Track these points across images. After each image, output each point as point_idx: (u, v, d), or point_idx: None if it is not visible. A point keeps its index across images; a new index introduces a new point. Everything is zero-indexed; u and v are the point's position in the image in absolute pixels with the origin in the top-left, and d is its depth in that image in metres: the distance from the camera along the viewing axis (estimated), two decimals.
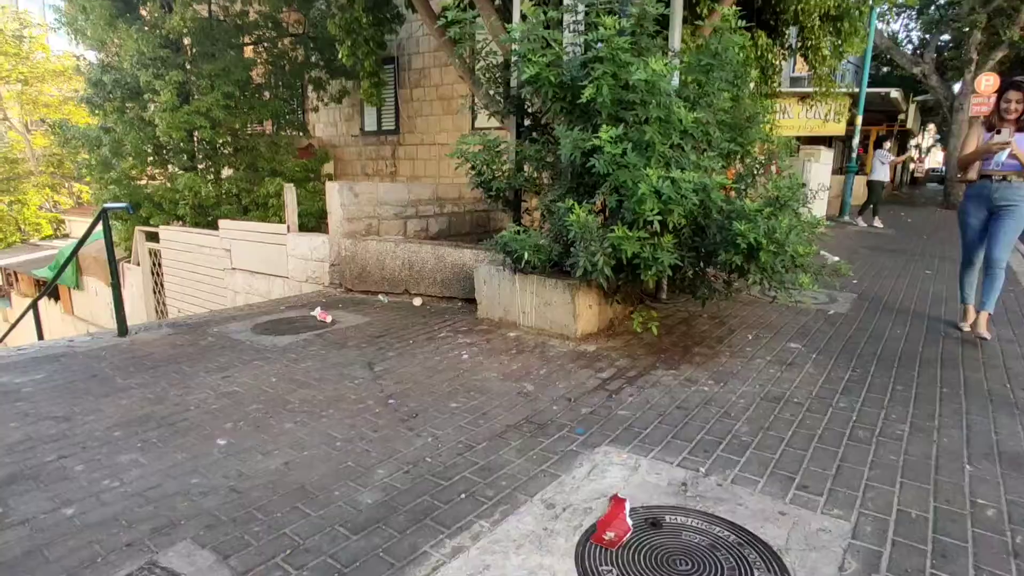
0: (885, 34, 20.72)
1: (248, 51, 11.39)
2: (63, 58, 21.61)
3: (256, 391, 3.46)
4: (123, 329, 4.78)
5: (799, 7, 9.11)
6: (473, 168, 4.98)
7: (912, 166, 36.05)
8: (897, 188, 28.00)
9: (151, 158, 10.80)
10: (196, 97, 10.11)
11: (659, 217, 3.75)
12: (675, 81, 4.52)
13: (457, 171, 5.46)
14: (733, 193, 5.10)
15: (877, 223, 12.63)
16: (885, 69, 26.34)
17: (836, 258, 7.71)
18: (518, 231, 4.30)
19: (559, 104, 4.38)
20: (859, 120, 14.35)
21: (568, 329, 4.44)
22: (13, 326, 9.57)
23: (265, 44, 11.29)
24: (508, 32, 4.48)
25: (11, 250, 20.59)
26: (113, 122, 10.42)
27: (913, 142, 38.66)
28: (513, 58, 4.71)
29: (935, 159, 54.57)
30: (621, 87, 3.98)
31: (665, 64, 3.81)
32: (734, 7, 4.91)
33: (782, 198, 4.50)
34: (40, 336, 8.31)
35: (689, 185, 3.73)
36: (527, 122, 5.15)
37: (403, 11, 9.36)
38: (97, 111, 10.70)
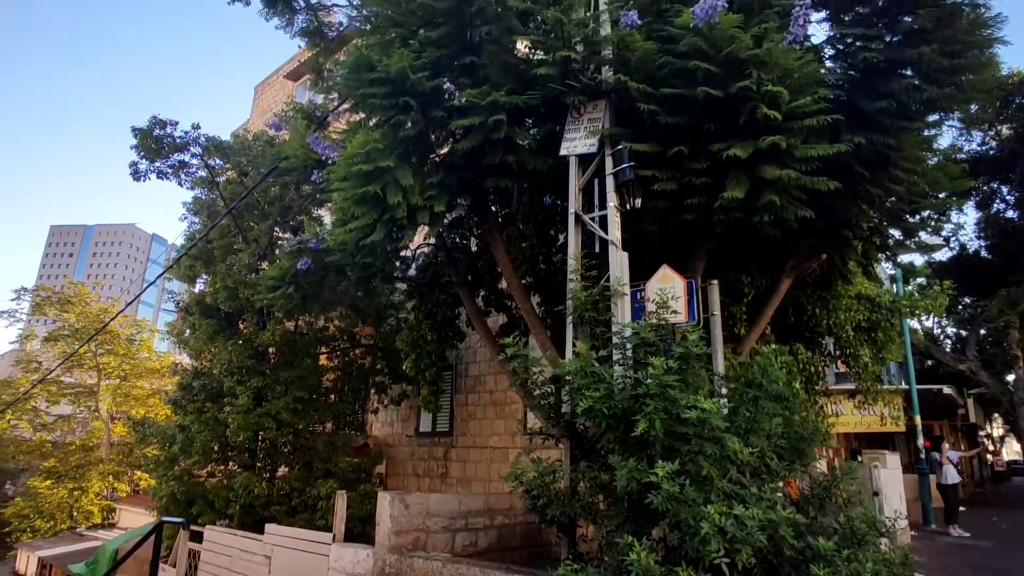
0: (921, 333, 21.45)
1: (322, 358, 12.62)
2: (163, 358, 24.26)
3: None
4: None
5: (831, 321, 9.76)
6: (528, 492, 4.99)
7: (989, 459, 33.69)
8: (979, 485, 25.76)
9: (216, 455, 11.25)
10: (269, 400, 10.94)
11: (726, 559, 3.55)
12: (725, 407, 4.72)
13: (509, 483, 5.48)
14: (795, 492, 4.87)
15: (960, 531, 11.41)
16: (930, 363, 26.57)
17: None
18: (575, 570, 4.09)
19: (613, 433, 4.56)
20: (917, 419, 14.05)
21: None
22: None
23: (338, 353, 12.53)
24: (564, 365, 4.93)
25: (56, 539, 20.33)
26: (190, 421, 11.18)
27: (983, 433, 36.79)
28: (566, 387, 5.10)
29: (1012, 449, 51.00)
30: (673, 420, 4.17)
31: (714, 402, 4.04)
32: (773, 345, 5.36)
33: (858, 532, 4.25)
34: None
35: (754, 522, 3.61)
36: (581, 447, 5.30)
37: (464, 329, 10.47)
38: (179, 411, 11.59)
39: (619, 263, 5.44)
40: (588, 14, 5.93)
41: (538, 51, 6.38)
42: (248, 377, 10.84)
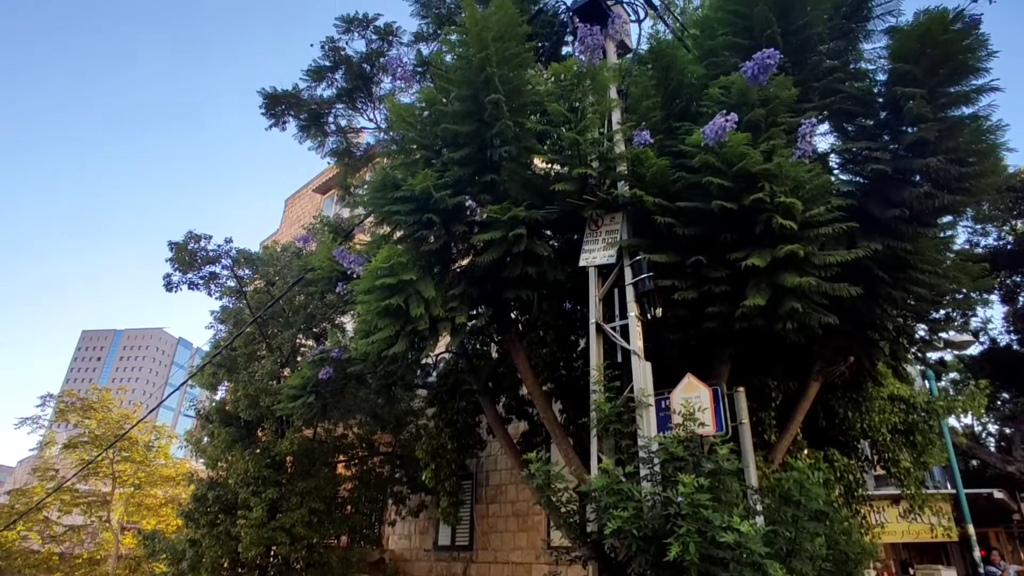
0: (962, 433, 20.48)
1: (340, 467, 12.32)
2: (179, 465, 23.87)
3: None
4: None
5: (865, 424, 9.39)
6: None
7: None
8: None
9: (226, 573, 10.76)
10: (283, 513, 10.59)
11: None
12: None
13: None
14: None
15: None
16: (975, 463, 25.14)
17: None
18: None
19: (644, 556, 4.30)
20: (970, 528, 13.09)
21: None
22: None
23: (356, 461, 12.25)
24: (590, 481, 4.75)
25: None
26: (202, 535, 10.80)
27: None
28: (591, 505, 4.88)
29: None
30: (708, 543, 3.94)
31: (752, 524, 3.82)
32: (806, 451, 5.14)
33: None
34: None
35: None
36: (610, 569, 4.99)
37: (485, 437, 10.24)
38: (191, 524, 11.25)
39: (642, 373, 5.37)
40: (602, 133, 6.26)
41: (555, 165, 6.69)
42: (263, 488, 10.58)
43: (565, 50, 9.02)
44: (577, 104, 6.21)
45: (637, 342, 5.52)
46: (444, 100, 6.26)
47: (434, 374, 10.10)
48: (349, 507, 11.89)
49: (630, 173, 5.96)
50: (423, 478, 9.98)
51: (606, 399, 5.35)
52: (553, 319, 8.30)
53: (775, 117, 5.72)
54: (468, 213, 6.14)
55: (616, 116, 6.50)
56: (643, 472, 4.78)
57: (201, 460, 14.01)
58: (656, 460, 4.77)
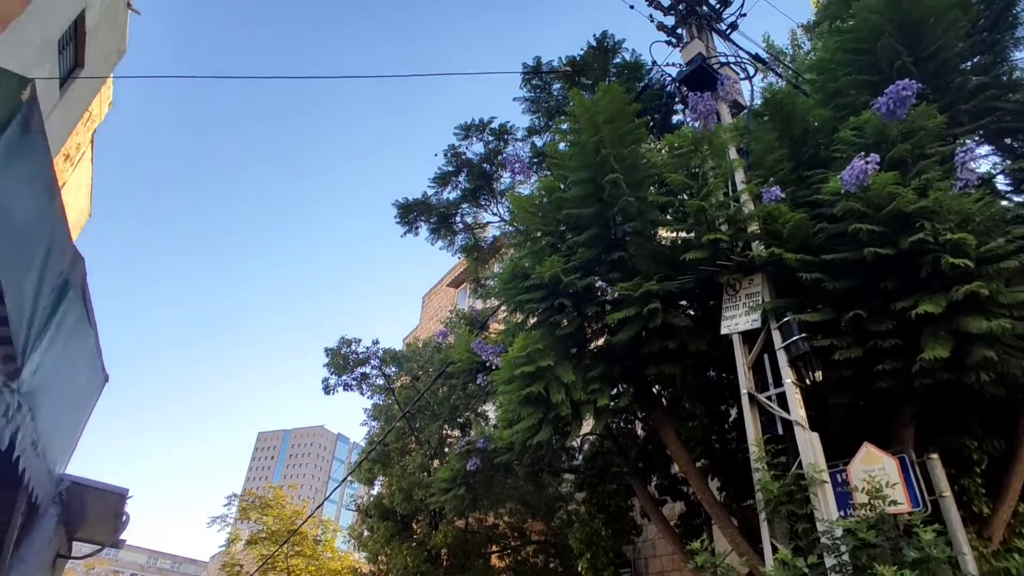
0: None
1: (493, 558, 12.16)
2: (343, 558, 24.96)
3: None
4: None
5: None
6: None
7: None
8: None
9: None
10: None
11: None
12: None
13: None
14: None
15: None
16: None
17: None
18: None
19: None
20: None
21: None
22: None
23: (509, 552, 12.04)
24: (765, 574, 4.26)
25: None
26: None
27: None
28: None
29: None
30: None
31: None
32: None
33: None
34: None
35: None
36: None
37: (640, 521, 9.69)
38: None
39: (810, 445, 4.85)
40: (727, 195, 6.08)
41: (681, 232, 6.55)
42: None
43: (676, 118, 9.05)
44: (697, 170, 6.12)
45: (798, 411, 5.03)
46: (562, 186, 6.46)
47: (580, 457, 9.85)
48: None
49: (763, 231, 5.68)
50: (579, 569, 9.54)
51: (772, 477, 4.86)
52: (699, 391, 7.85)
53: (923, 149, 5.25)
54: (599, 293, 6.13)
55: (740, 176, 6.31)
56: (829, 563, 4.21)
57: (363, 554, 14.54)
58: (844, 547, 4.19)
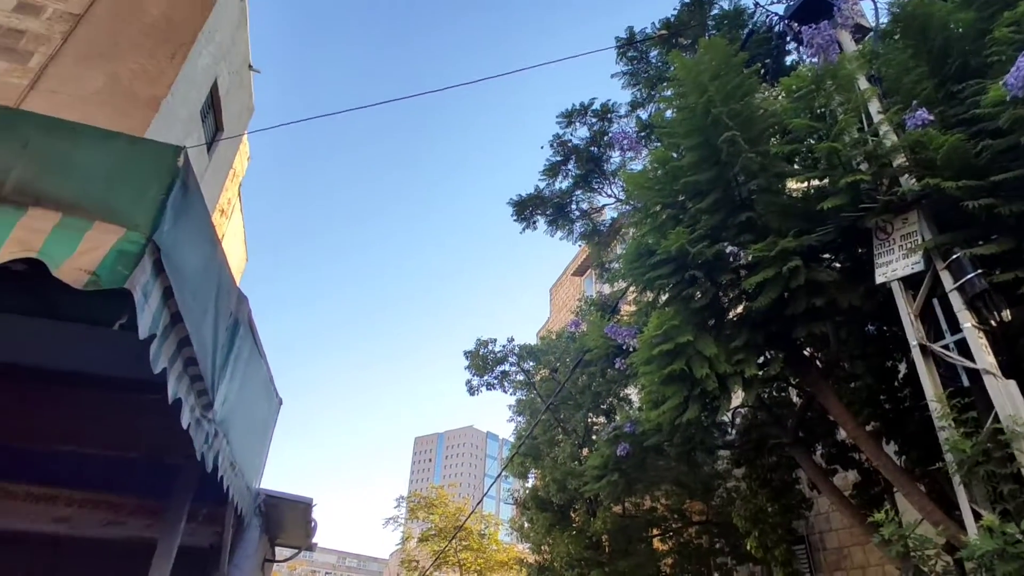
0: None
1: (655, 541, 11.99)
2: (508, 549, 26.00)
3: None
4: None
5: None
6: None
7: None
8: None
9: None
10: None
11: None
12: None
13: None
14: None
15: None
16: None
17: None
18: None
19: None
20: None
21: None
22: None
23: (671, 534, 11.82)
24: (968, 544, 3.81)
25: None
26: None
27: None
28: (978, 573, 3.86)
29: None
30: None
31: None
32: None
33: None
34: None
35: None
36: None
37: (809, 493, 9.07)
38: None
39: (1006, 395, 4.25)
40: (862, 131, 5.50)
41: (813, 180, 6.03)
42: (587, 570, 10.79)
43: (790, 59, 8.34)
44: (822, 110, 5.61)
45: (986, 358, 4.43)
46: (675, 155, 6.20)
47: (733, 431, 9.43)
48: None
49: (912, 163, 5.07)
50: (748, 547, 9.14)
51: (962, 435, 4.33)
52: (857, 349, 7.19)
53: None
54: (731, 259, 5.81)
55: (874, 106, 5.68)
56: None
57: (526, 544, 14.98)
58: None
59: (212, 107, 11.31)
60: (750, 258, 5.44)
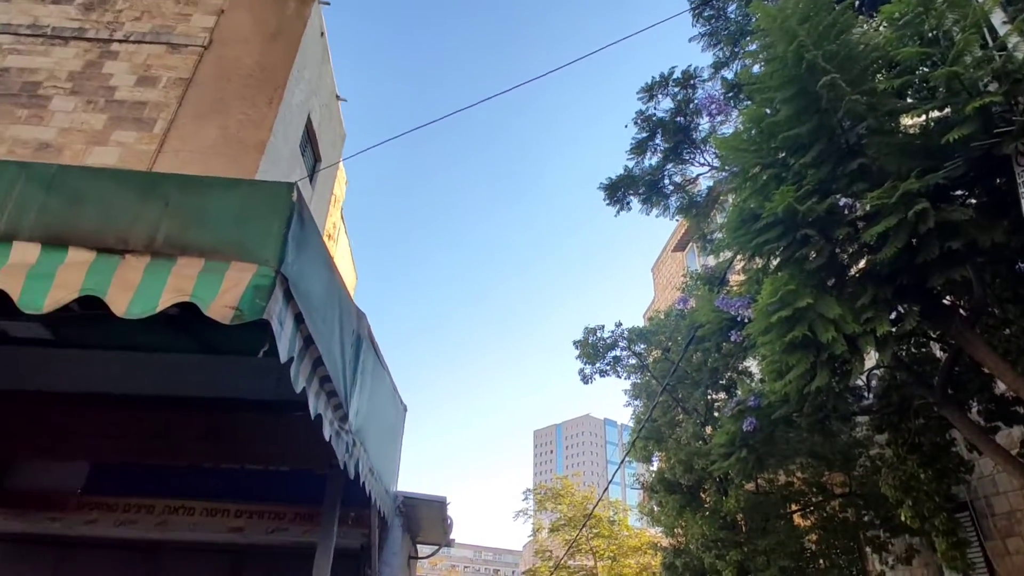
0: None
1: (795, 517, 11.42)
2: (640, 534, 25.83)
3: None
4: None
5: None
6: None
7: None
8: None
9: None
10: (752, 574, 10.21)
11: None
12: None
13: None
14: None
15: None
16: None
17: None
18: None
19: None
20: None
21: None
22: None
23: (811, 508, 11.20)
24: None
25: None
26: None
27: None
28: None
29: None
30: None
31: None
32: None
33: None
34: None
35: None
36: None
37: (967, 456, 8.26)
38: None
39: None
40: (985, 49, 4.92)
41: (932, 112, 5.47)
42: (725, 550, 10.46)
43: None
44: (933, 33, 5.07)
45: None
46: (768, 111, 5.85)
47: (870, 395, 8.77)
48: (822, 561, 10.77)
49: None
50: (902, 518, 8.47)
51: None
52: (1007, 290, 6.46)
53: None
54: (846, 212, 5.40)
55: (998, 17, 5.06)
56: None
57: (658, 528, 14.78)
58: None
59: (309, 140, 12.09)
60: (867, 208, 5.02)
